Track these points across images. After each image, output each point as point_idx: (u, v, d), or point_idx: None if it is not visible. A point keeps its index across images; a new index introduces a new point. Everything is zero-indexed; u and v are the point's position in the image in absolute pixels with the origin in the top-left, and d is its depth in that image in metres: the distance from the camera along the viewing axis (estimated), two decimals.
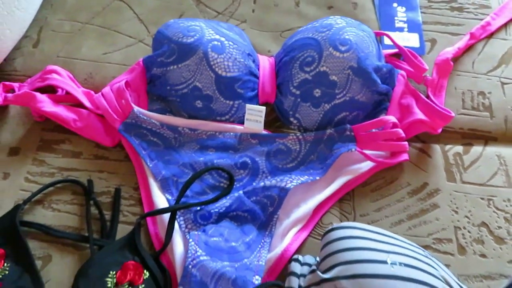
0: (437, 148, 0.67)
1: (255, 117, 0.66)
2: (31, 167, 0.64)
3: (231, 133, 0.66)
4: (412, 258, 0.48)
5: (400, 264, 0.47)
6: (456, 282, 0.50)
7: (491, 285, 0.56)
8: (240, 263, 0.54)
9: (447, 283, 0.48)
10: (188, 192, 0.61)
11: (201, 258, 0.53)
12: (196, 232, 0.56)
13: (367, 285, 0.45)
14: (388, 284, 0.45)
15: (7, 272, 0.53)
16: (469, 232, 0.60)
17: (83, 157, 0.65)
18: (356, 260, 0.47)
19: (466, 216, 0.61)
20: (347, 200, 0.62)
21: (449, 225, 0.60)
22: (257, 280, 0.53)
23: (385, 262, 0.47)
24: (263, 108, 0.65)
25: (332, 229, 0.51)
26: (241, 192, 0.60)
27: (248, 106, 0.65)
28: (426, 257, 0.50)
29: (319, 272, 0.49)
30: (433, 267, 0.49)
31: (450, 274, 0.51)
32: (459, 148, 0.67)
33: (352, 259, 0.47)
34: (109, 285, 0.51)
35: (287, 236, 0.58)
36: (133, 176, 0.64)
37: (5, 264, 0.54)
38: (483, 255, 0.58)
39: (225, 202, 0.60)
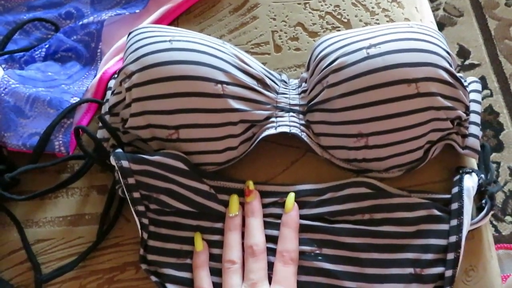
0: None
1: None
2: None
3: None
4: (197, 37, 0.52)
5: (178, 41, 0.50)
6: (254, 61, 0.54)
7: (303, 71, 0.59)
8: (56, 88, 0.56)
9: (239, 58, 0.52)
10: (16, 48, 0.62)
11: (13, 86, 0.55)
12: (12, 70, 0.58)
13: (148, 60, 0.48)
14: (165, 55, 0.48)
15: None
16: (285, 33, 0.63)
17: None
18: (142, 45, 0.50)
19: (284, 21, 0.64)
20: None
21: (267, 30, 0.63)
22: (74, 100, 0.56)
23: (167, 41, 0.50)
24: None
25: (130, 32, 0.54)
26: (58, 33, 0.62)
27: None
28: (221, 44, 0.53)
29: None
30: (225, 47, 0.52)
31: (247, 55, 0.54)
32: None
33: (139, 45, 0.50)
34: None
35: (108, 62, 0.60)
36: None
37: None
38: (297, 49, 0.62)
39: (45, 45, 0.61)
